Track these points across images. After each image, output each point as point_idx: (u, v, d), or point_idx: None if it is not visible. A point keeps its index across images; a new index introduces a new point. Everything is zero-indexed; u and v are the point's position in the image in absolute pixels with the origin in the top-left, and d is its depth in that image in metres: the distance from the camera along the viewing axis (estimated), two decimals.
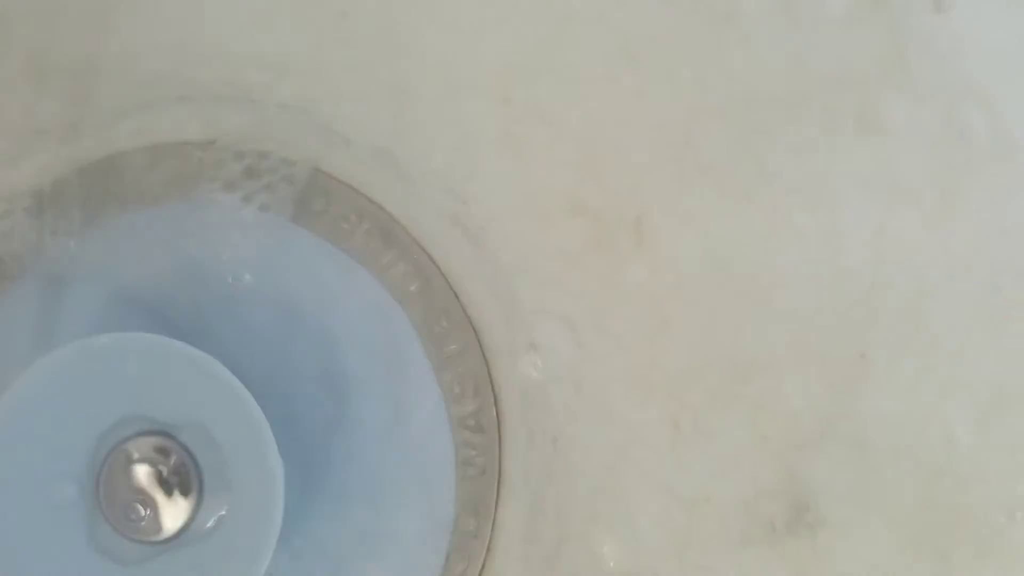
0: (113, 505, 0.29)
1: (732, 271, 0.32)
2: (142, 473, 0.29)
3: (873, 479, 0.32)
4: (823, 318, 0.32)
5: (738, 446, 0.32)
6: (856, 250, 0.32)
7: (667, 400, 0.32)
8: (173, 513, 0.29)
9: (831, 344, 0.32)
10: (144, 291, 0.32)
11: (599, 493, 0.32)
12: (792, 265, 0.32)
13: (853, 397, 0.32)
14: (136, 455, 0.29)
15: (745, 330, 0.32)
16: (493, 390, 0.32)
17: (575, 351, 0.33)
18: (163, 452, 0.29)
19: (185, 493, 0.29)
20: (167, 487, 0.29)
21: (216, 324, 0.32)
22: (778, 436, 0.32)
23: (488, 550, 0.32)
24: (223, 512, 0.29)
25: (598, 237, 0.32)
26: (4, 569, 0.28)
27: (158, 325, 0.32)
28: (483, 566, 0.33)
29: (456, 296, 0.33)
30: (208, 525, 0.29)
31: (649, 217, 0.32)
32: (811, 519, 0.32)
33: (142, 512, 0.29)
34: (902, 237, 0.32)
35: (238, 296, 0.32)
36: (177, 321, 0.32)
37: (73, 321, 0.32)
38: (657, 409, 0.32)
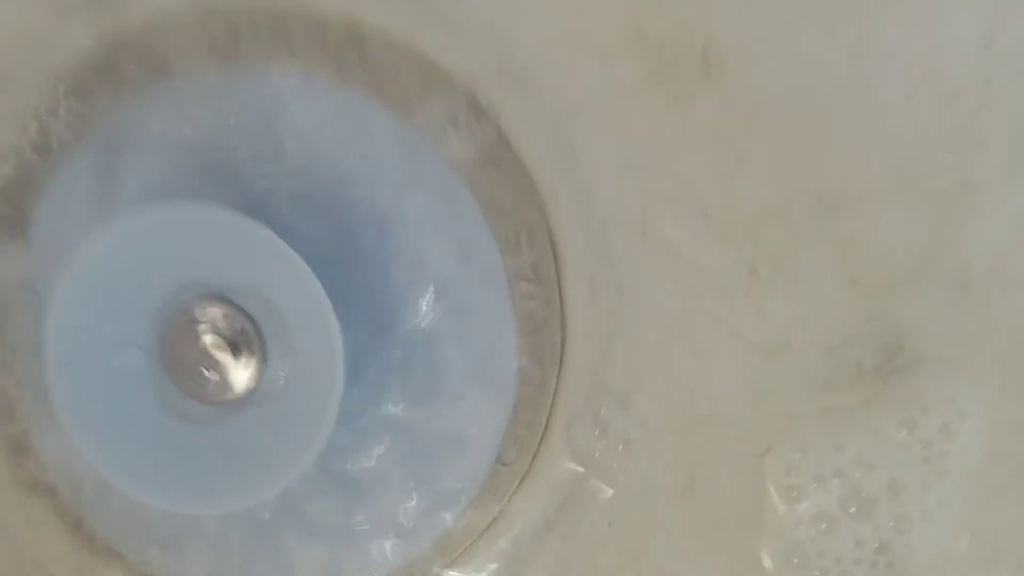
0: (180, 369, 0.29)
1: (815, 99, 0.29)
2: (206, 337, 0.29)
3: (975, 317, 0.30)
4: (921, 145, 0.29)
5: (823, 289, 0.30)
6: (960, 67, 0.28)
7: (742, 244, 0.30)
8: (237, 375, 0.29)
9: (930, 173, 0.29)
10: (200, 158, 0.31)
11: (670, 343, 0.31)
12: (885, 88, 0.28)
13: (955, 231, 0.29)
14: (199, 320, 0.29)
15: (832, 163, 0.29)
16: (551, 240, 0.31)
17: (637, 195, 0.30)
18: (225, 317, 0.29)
19: (248, 356, 0.29)
20: (230, 350, 0.29)
21: (270, 191, 0.31)
22: (869, 277, 0.30)
23: (554, 400, 0.32)
24: (287, 374, 0.29)
25: (661, 70, 0.29)
26: (81, 433, 0.29)
27: (215, 192, 0.31)
28: (550, 414, 0.32)
29: (509, 146, 0.30)
30: (273, 387, 0.29)
31: (718, 43, 0.28)
32: (902, 362, 0.30)
33: (207, 375, 0.29)
34: (1014, 50, 0.28)
35: (290, 162, 0.31)
36: (234, 188, 0.31)
37: (131, 189, 0.31)
38: (732, 254, 0.30)
